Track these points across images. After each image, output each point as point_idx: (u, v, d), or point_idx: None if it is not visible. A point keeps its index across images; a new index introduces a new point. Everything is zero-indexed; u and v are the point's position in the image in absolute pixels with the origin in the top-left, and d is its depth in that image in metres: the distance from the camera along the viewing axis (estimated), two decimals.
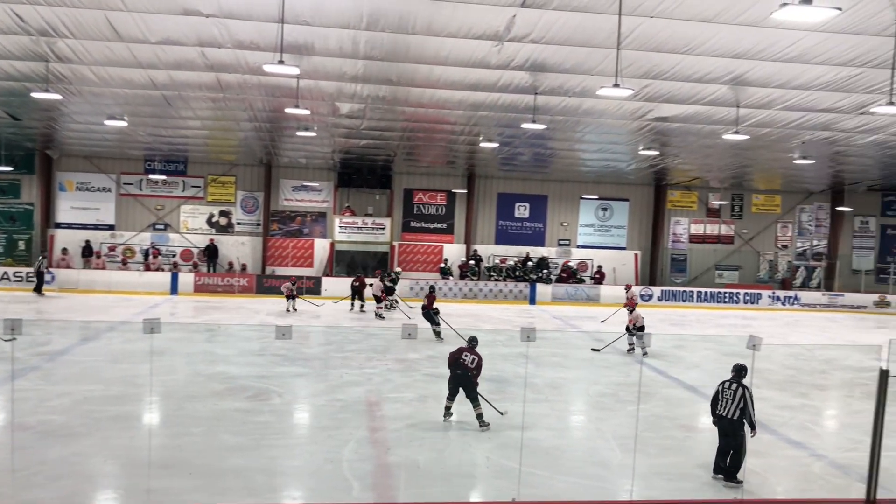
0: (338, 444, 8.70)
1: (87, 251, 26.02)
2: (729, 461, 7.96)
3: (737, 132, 16.07)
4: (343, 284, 24.38)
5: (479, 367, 9.80)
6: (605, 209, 29.27)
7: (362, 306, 22.00)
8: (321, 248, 27.52)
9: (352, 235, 27.12)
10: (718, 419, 8.09)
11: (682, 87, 14.09)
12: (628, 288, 19.24)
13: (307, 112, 16.09)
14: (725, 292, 27.65)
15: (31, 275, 23.84)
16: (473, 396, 9.72)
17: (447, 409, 9.95)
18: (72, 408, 9.91)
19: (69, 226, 26.50)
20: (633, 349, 15.73)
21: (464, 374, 9.72)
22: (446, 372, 12.66)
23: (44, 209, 26.15)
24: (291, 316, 20.40)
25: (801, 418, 11.01)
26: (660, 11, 10.34)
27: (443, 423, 9.85)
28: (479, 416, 9.66)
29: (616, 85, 11.30)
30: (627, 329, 16.06)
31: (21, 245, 26.19)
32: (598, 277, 27.83)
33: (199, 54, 13.13)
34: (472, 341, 10.16)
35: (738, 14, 10.32)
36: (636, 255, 29.22)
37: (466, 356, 9.83)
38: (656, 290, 27.12)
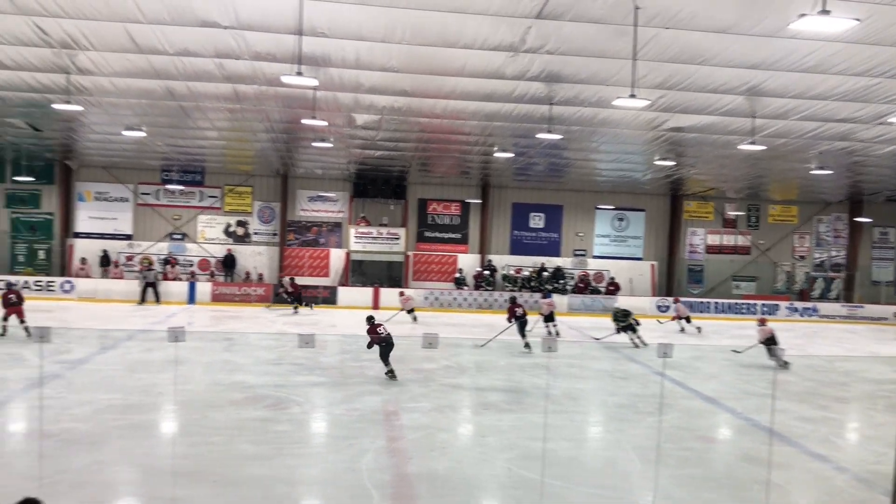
0: (357, 454, 8.71)
1: (105, 261, 26.27)
2: None
3: (753, 143, 16.02)
4: (360, 294, 24.58)
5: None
6: (621, 219, 29.21)
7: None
8: (337, 257, 27.63)
9: (367, 245, 27.22)
10: None
11: (698, 97, 14.08)
12: (762, 322, 16.91)
13: (324, 123, 16.21)
14: (742, 303, 27.50)
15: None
16: (388, 358, 12.92)
17: (391, 371, 12.91)
18: (93, 416, 9.99)
19: (87, 235, 26.79)
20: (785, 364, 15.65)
21: (390, 343, 12.87)
22: (465, 382, 12.78)
23: (63, 219, 26.47)
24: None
25: (823, 431, 10.90)
26: (675, 22, 10.34)
27: (460, 434, 9.93)
28: (391, 370, 12.89)
29: (632, 95, 11.33)
30: (762, 343, 16.01)
31: (41, 255, 26.49)
32: (613, 289, 27.71)
33: (216, 66, 13.26)
34: (372, 318, 13.58)
35: (754, 24, 10.31)
36: (653, 265, 29.10)
37: (383, 330, 13.09)
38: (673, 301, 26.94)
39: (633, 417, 11.33)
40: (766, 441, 9.57)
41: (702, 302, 27.34)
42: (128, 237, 27.02)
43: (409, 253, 27.93)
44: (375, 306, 24.90)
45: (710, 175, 24.14)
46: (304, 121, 16.13)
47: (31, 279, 24.68)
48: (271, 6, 10.39)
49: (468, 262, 28.24)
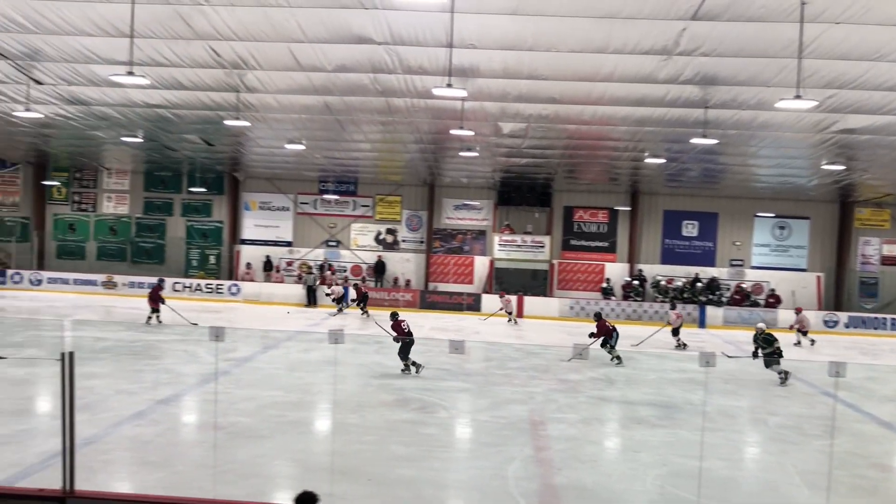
0: (503, 461, 8.74)
1: (268, 266, 28.06)
2: None
3: None
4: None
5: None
6: (782, 227, 27.39)
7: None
8: (481, 265, 27.89)
9: (511, 253, 27.25)
10: None
11: (872, 96, 12.99)
12: None
13: (471, 133, 16.45)
14: None
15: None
16: (408, 354, 13.60)
17: (413, 364, 13.62)
18: (257, 412, 10.67)
19: (252, 242, 28.74)
20: None
21: (412, 339, 13.57)
22: (611, 395, 12.47)
23: (231, 227, 28.60)
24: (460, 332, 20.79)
25: None
26: (846, 17, 9.61)
27: (608, 447, 9.73)
28: (415, 363, 13.63)
29: (797, 96, 10.63)
30: None
31: (212, 259, 28.74)
32: (773, 301, 26.02)
33: (370, 80, 13.84)
34: (396, 314, 14.26)
35: None
36: (818, 277, 27.04)
37: (406, 325, 13.91)
38: (843, 316, 24.96)
39: (796, 439, 10.59)
40: None
41: (876, 318, 25.08)
42: (288, 244, 28.72)
43: (554, 261, 27.66)
44: (519, 314, 24.87)
45: (886, 180, 22.13)
46: (451, 131, 16.46)
47: (202, 282, 26.92)
48: (423, 21, 10.71)
49: (616, 271, 27.56)
